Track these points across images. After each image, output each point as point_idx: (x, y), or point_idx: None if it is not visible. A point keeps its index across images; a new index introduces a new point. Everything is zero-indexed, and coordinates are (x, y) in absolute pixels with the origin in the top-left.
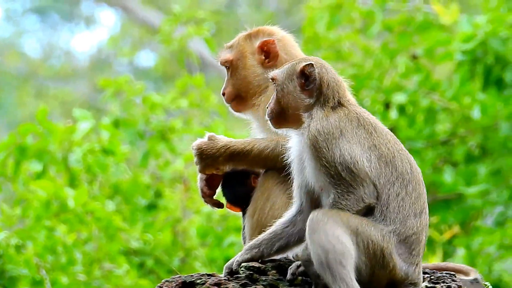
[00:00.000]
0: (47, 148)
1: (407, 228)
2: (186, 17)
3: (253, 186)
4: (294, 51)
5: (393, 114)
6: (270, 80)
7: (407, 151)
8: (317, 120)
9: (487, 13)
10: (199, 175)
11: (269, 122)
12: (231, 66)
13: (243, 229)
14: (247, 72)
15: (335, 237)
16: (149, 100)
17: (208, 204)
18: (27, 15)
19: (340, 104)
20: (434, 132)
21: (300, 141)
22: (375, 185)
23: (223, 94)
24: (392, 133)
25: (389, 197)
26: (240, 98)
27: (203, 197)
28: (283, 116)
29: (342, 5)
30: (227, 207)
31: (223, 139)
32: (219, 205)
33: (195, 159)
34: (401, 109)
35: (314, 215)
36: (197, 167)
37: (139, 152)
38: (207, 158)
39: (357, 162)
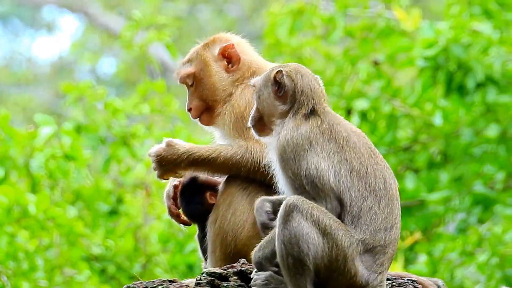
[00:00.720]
0: (9, 154)
1: (376, 240)
2: (147, 23)
3: (210, 203)
4: (253, 53)
5: (355, 120)
6: (253, 87)
7: (383, 164)
8: (288, 129)
9: (449, 19)
10: (165, 193)
11: (252, 130)
12: (194, 79)
13: (197, 234)
14: (214, 79)
15: (303, 235)
16: (111, 105)
17: (176, 222)
18: None
19: (314, 112)
20: (395, 139)
21: (271, 149)
22: (340, 200)
23: (189, 110)
24: (369, 146)
25: (361, 210)
26: (208, 109)
27: (170, 215)
28: (262, 123)
29: (304, 11)
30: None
31: (183, 145)
32: (187, 223)
33: (153, 165)
34: (363, 115)
35: (290, 200)
36: (155, 173)
37: (101, 157)
38: (168, 164)
39: (322, 176)
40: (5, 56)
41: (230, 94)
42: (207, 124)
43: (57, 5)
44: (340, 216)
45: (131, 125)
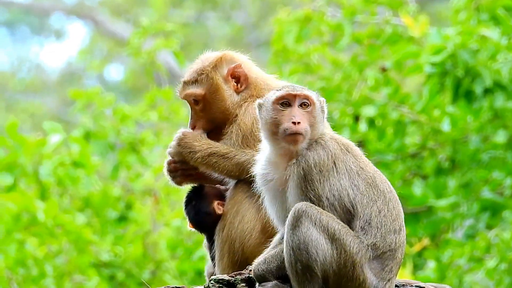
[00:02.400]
0: (18, 161)
1: (386, 243)
2: (155, 30)
3: (218, 214)
4: (258, 71)
5: (363, 127)
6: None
7: (379, 171)
8: (313, 150)
9: (456, 25)
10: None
11: (303, 139)
12: (203, 100)
13: (205, 242)
14: (227, 103)
15: (312, 240)
16: (120, 111)
17: (169, 177)
18: None
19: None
20: (403, 145)
21: (283, 168)
22: (351, 212)
23: (193, 129)
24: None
25: (371, 213)
26: (216, 129)
27: (168, 170)
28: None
29: (311, 18)
30: (189, 227)
31: (208, 140)
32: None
33: (173, 142)
34: (371, 122)
35: (299, 206)
36: (168, 150)
37: (110, 164)
38: (186, 147)
39: (341, 198)
40: (13, 63)
41: (236, 115)
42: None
43: (65, 12)
44: (350, 223)
45: (139, 132)
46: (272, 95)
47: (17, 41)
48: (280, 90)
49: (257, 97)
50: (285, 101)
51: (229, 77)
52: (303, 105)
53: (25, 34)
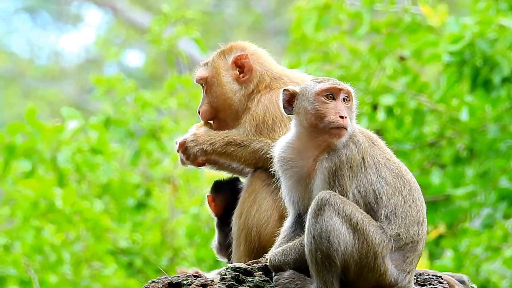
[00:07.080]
0: (36, 147)
1: (410, 234)
2: (175, 17)
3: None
4: (268, 64)
5: (381, 115)
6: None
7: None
8: (346, 146)
9: (475, 14)
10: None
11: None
12: (206, 83)
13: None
14: (224, 89)
15: (334, 230)
16: (141, 98)
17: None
18: (18, 14)
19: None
20: (422, 134)
21: (313, 159)
22: (376, 210)
23: (199, 112)
24: None
25: (397, 203)
26: (218, 119)
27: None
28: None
29: (330, 7)
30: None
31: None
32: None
33: (189, 144)
34: (389, 110)
35: (323, 194)
36: (187, 154)
37: (129, 151)
38: (204, 143)
39: (366, 194)
40: (32, 49)
41: (248, 108)
42: (216, 130)
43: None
44: (374, 214)
45: (159, 118)
46: (315, 86)
47: (37, 28)
48: (322, 82)
49: (270, 89)
50: (330, 94)
51: (233, 65)
52: (345, 99)
53: (46, 20)
